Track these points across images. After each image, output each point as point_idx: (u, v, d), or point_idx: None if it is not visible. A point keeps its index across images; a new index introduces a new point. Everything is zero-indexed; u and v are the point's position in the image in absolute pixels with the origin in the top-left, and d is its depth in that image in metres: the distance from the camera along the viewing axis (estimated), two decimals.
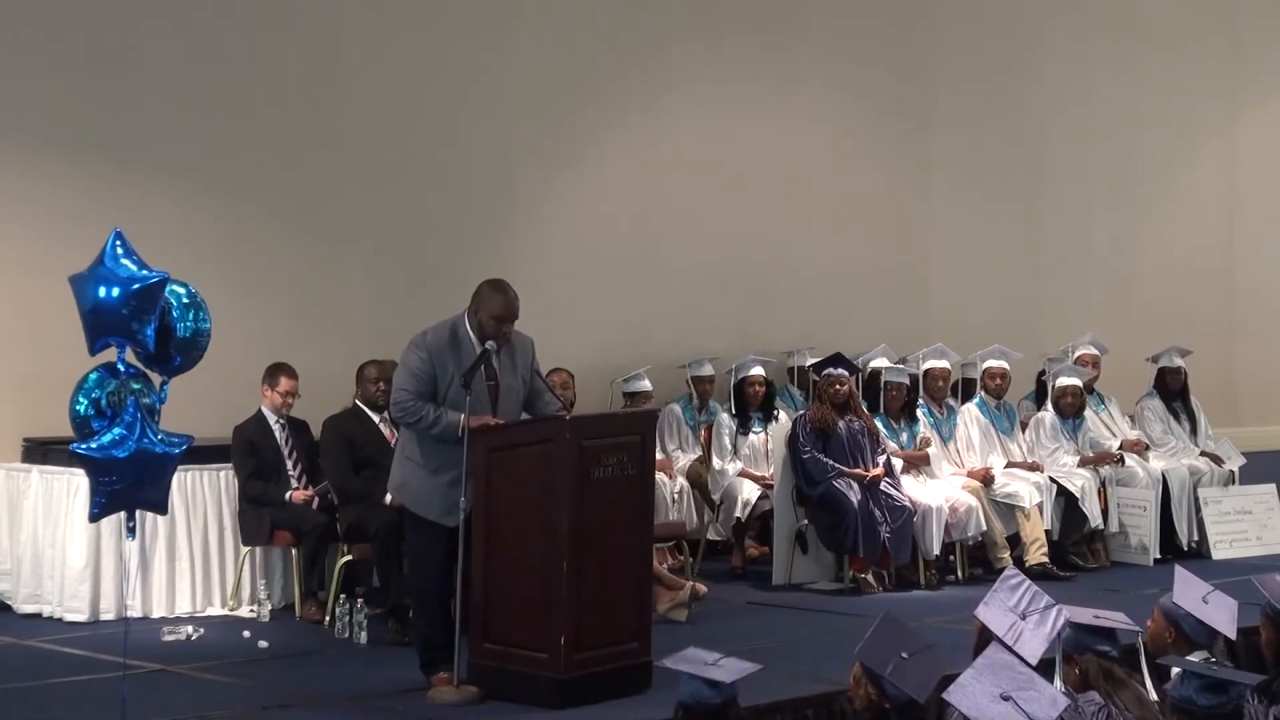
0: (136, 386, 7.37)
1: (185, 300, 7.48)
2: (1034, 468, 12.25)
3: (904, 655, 5.07)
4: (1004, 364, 12.50)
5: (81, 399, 7.36)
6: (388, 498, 8.86)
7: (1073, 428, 12.65)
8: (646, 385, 12.39)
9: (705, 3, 13.75)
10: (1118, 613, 5.81)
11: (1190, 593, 6.05)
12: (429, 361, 8.16)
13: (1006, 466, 12.22)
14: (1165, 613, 6.05)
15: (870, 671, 5.12)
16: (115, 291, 7.29)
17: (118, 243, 7.39)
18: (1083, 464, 12.43)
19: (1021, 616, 5.55)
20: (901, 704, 5.02)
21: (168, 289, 7.47)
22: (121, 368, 7.41)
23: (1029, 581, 5.75)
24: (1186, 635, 5.97)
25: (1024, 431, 12.61)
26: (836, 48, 14.44)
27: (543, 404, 8.50)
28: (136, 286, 7.27)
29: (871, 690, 5.11)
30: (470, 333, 8.23)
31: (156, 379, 7.51)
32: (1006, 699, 4.65)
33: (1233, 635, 6.09)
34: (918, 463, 11.86)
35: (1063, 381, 12.65)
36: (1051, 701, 4.67)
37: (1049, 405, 12.72)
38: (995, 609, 5.60)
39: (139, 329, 7.29)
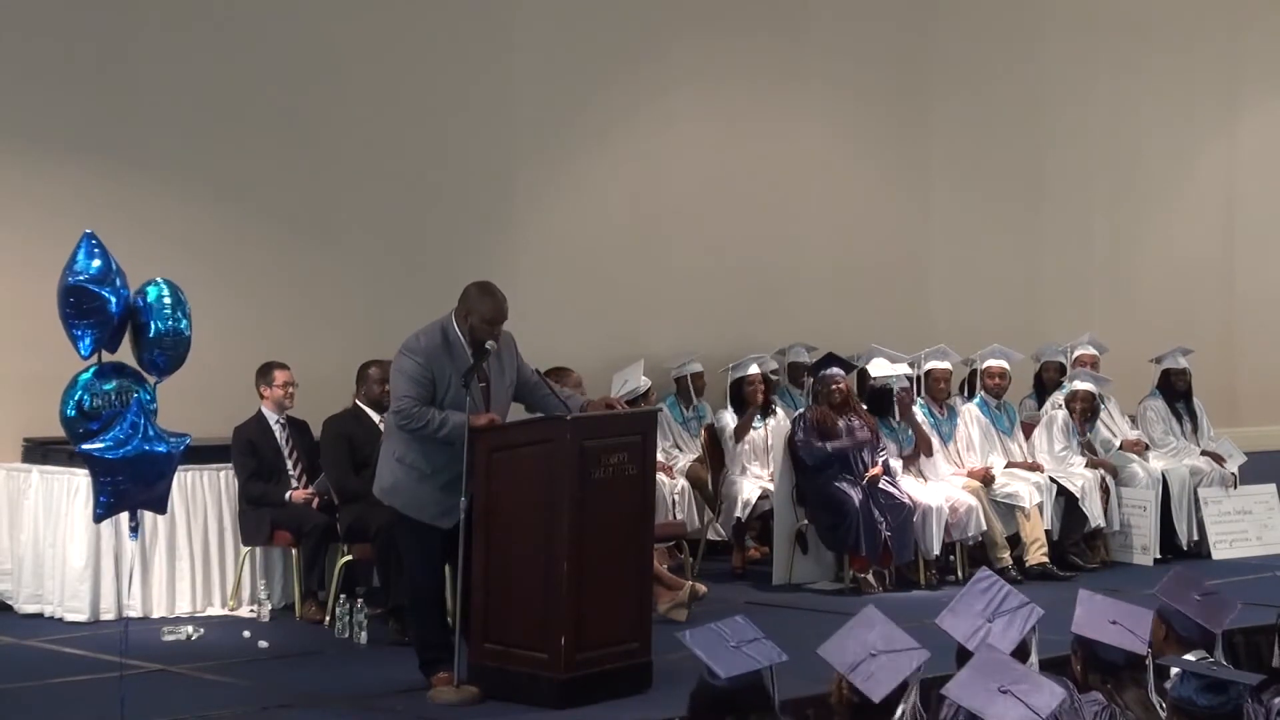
0: (120, 385, 7.39)
1: (166, 299, 7.50)
2: (1034, 468, 12.24)
3: (873, 653, 5.06)
4: (1003, 363, 12.49)
5: (69, 401, 7.39)
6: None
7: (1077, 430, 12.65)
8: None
9: (706, 3, 13.75)
10: (1139, 608, 5.76)
11: (1184, 595, 6.04)
12: (426, 366, 8.15)
13: (1006, 466, 12.21)
14: (1158, 611, 6.04)
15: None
16: (59, 291, 7.42)
17: (91, 242, 7.44)
18: (1091, 465, 12.42)
19: (989, 619, 5.54)
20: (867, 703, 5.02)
21: (152, 287, 7.50)
22: (90, 371, 7.45)
23: (1001, 582, 5.73)
24: (1179, 634, 5.96)
25: (1025, 431, 12.59)
26: (837, 48, 14.45)
27: (545, 401, 8.45)
28: (70, 282, 7.34)
29: (846, 685, 5.12)
30: (461, 336, 8.22)
31: (150, 379, 7.53)
32: (1005, 692, 4.66)
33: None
34: (922, 447, 11.84)
35: (1076, 385, 12.62)
36: (1050, 692, 4.68)
37: (1061, 404, 12.70)
38: (960, 615, 5.59)
39: (81, 332, 7.35)
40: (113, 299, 7.38)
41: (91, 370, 7.46)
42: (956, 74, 15.15)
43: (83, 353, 7.44)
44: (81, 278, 7.37)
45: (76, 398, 7.37)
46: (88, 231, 7.53)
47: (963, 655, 5.41)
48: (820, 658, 5.19)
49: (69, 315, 7.39)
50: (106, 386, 7.40)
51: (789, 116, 14.15)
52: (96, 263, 7.39)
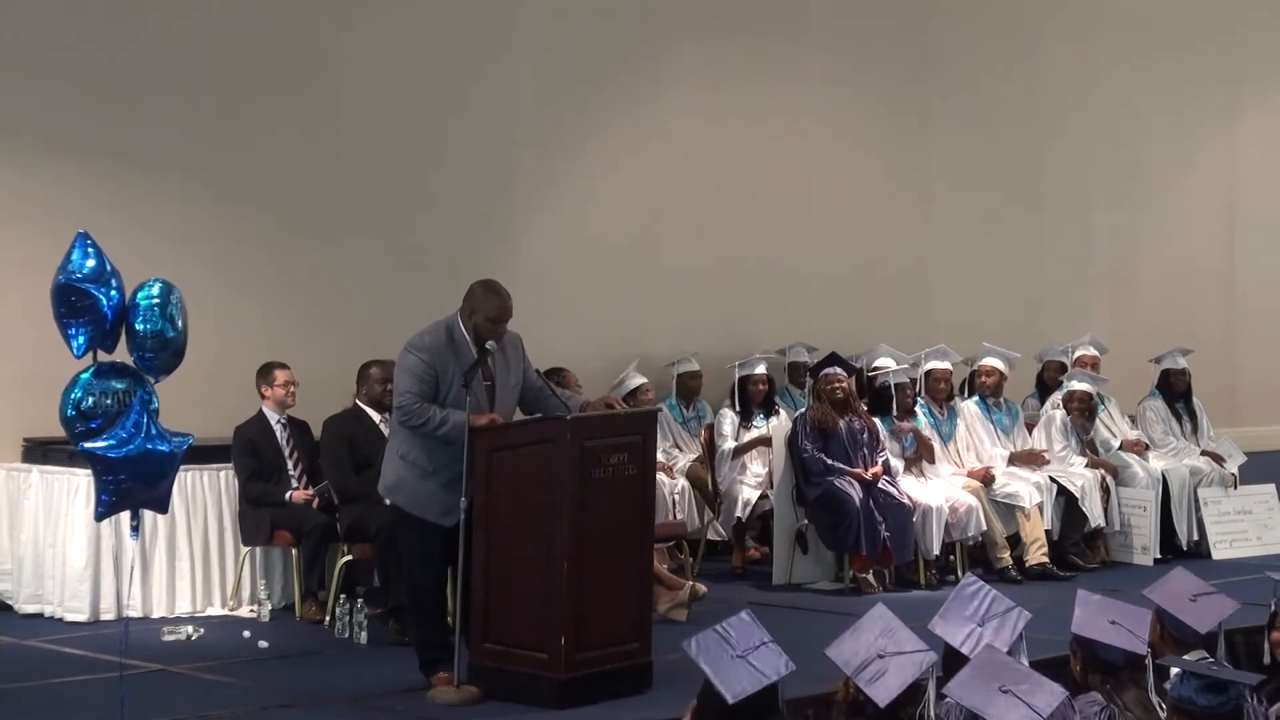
0: (119, 385, 7.41)
1: (154, 300, 7.51)
2: (1036, 457, 12.20)
3: (880, 655, 5.06)
4: (994, 362, 12.49)
5: (68, 401, 7.41)
6: (387, 500, 8.85)
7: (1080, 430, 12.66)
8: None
9: (706, 2, 13.75)
10: (1138, 608, 5.77)
11: (1177, 594, 6.04)
12: (430, 364, 8.17)
13: (1010, 461, 12.19)
14: (1155, 611, 6.04)
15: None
16: (52, 290, 7.47)
17: (86, 242, 7.46)
18: (1091, 465, 12.45)
19: (980, 622, 5.54)
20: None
21: (144, 288, 7.51)
22: (90, 371, 7.46)
23: (987, 587, 5.74)
24: (1172, 634, 5.96)
25: (1030, 430, 12.59)
26: (837, 47, 14.45)
27: (546, 403, 8.49)
28: (62, 281, 7.36)
29: (852, 685, 5.12)
30: (466, 334, 8.24)
31: (149, 380, 7.54)
32: (1006, 691, 4.66)
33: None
34: (924, 453, 11.85)
35: (1073, 386, 12.61)
36: (1051, 692, 4.69)
37: (1059, 404, 12.71)
38: (950, 619, 5.59)
39: (75, 331, 7.37)
40: (105, 298, 7.39)
41: (91, 370, 7.47)
42: (956, 74, 15.15)
43: (75, 352, 7.45)
44: (75, 276, 7.38)
45: (75, 397, 7.39)
46: (82, 231, 7.54)
47: (950, 659, 5.41)
48: (820, 657, 5.19)
49: (62, 314, 7.41)
50: (105, 387, 7.41)
51: (789, 116, 14.15)
52: (90, 262, 7.40)
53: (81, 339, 7.41)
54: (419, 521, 8.28)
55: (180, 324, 7.58)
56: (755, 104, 13.98)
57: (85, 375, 7.45)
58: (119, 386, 7.42)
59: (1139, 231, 16.42)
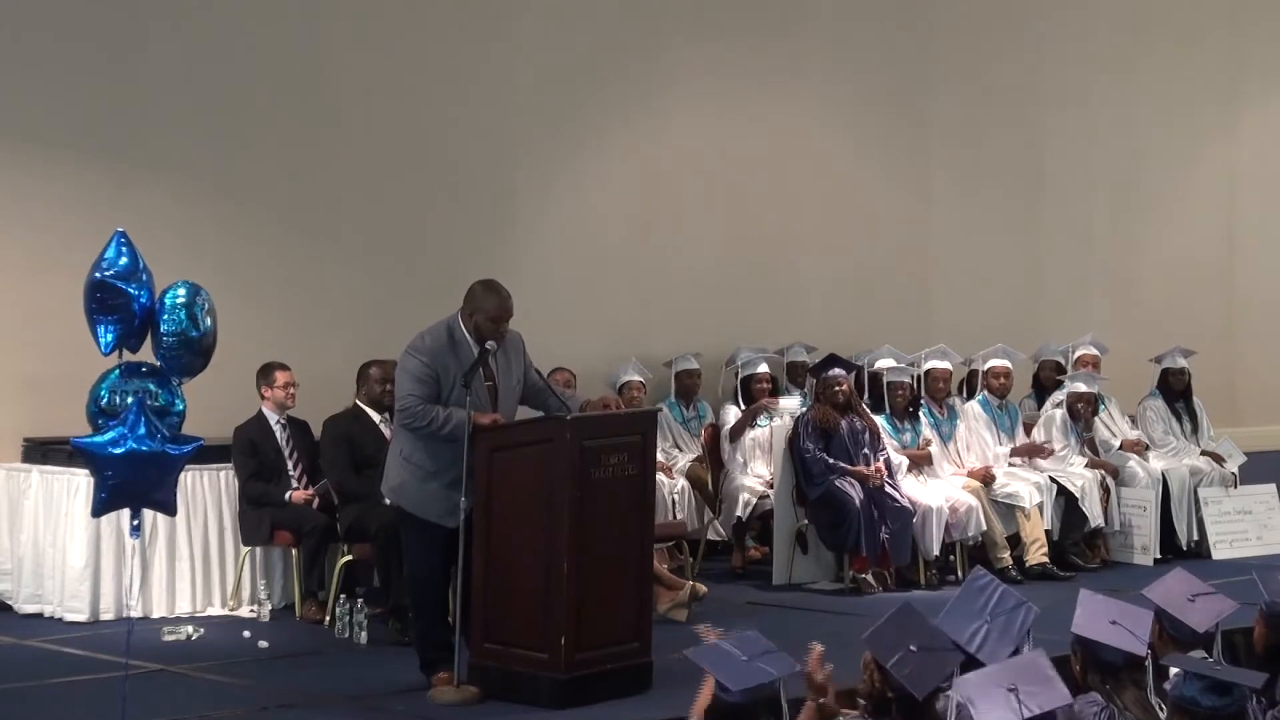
0: (142, 385, 7.42)
1: (180, 301, 7.52)
2: (1037, 450, 12.20)
3: (912, 649, 5.07)
4: (1008, 363, 12.50)
5: (92, 398, 7.44)
6: (387, 500, 8.85)
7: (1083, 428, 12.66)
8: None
9: (706, 2, 13.75)
10: (1139, 608, 5.77)
11: (1176, 594, 6.04)
12: (431, 365, 8.17)
13: (1011, 454, 12.19)
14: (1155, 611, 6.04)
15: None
16: (85, 285, 7.47)
17: (121, 240, 7.48)
18: (1091, 465, 12.46)
19: (989, 618, 5.54)
20: (905, 695, 5.02)
21: (173, 289, 7.53)
22: (118, 369, 7.47)
23: (996, 582, 5.73)
24: (1170, 634, 5.97)
25: (1027, 431, 12.59)
26: (837, 47, 14.44)
27: (546, 402, 8.50)
28: (95, 277, 7.38)
29: (877, 677, 5.12)
30: (467, 334, 8.25)
31: (175, 381, 7.57)
32: (1012, 690, 4.67)
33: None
34: (920, 461, 11.85)
35: (1078, 388, 12.61)
36: (1058, 695, 4.69)
37: (1060, 402, 12.71)
38: (958, 615, 5.60)
39: (104, 328, 7.38)
40: (136, 297, 7.41)
41: (118, 369, 7.49)
42: (956, 73, 15.14)
43: (103, 349, 7.46)
44: (109, 273, 7.39)
45: (98, 394, 7.41)
46: (119, 230, 7.56)
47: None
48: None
49: (93, 310, 7.43)
50: (128, 385, 7.43)
51: (789, 116, 14.14)
52: (124, 260, 7.44)
53: (110, 336, 7.42)
54: (421, 522, 8.28)
55: (205, 325, 7.60)
56: (755, 104, 13.97)
57: (114, 373, 7.48)
58: (139, 386, 7.42)
59: (1139, 231, 16.42)
